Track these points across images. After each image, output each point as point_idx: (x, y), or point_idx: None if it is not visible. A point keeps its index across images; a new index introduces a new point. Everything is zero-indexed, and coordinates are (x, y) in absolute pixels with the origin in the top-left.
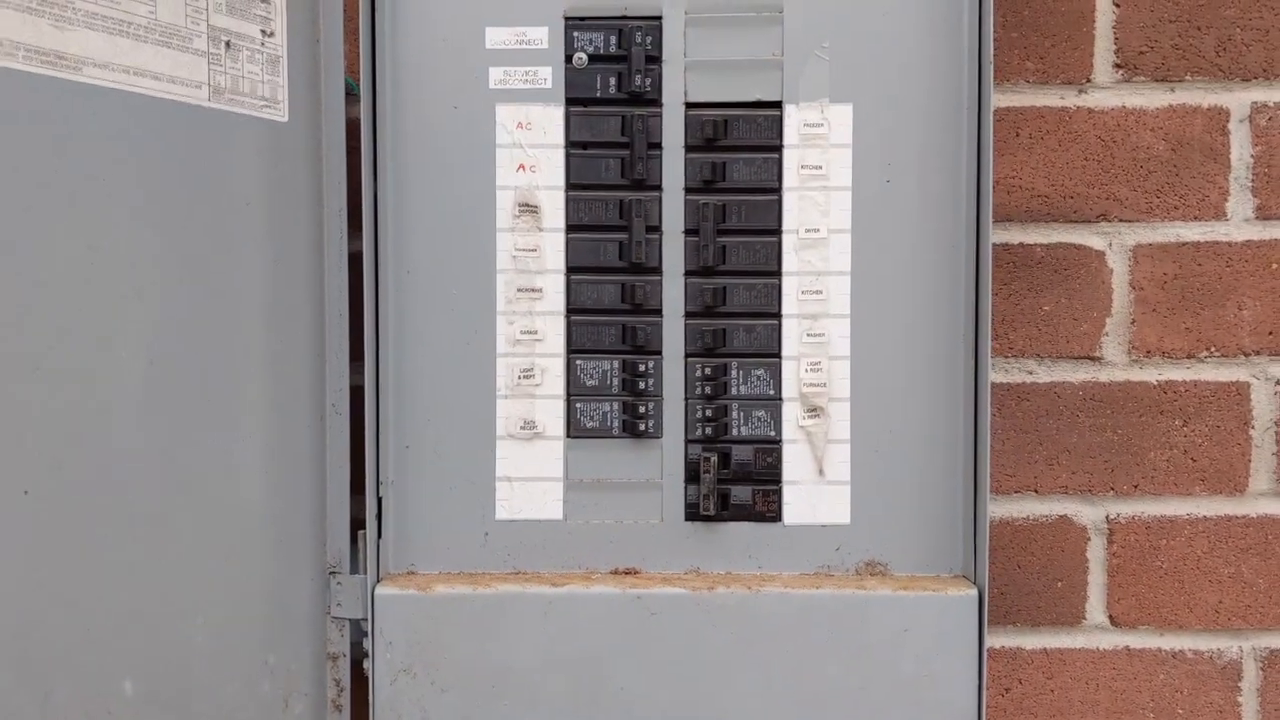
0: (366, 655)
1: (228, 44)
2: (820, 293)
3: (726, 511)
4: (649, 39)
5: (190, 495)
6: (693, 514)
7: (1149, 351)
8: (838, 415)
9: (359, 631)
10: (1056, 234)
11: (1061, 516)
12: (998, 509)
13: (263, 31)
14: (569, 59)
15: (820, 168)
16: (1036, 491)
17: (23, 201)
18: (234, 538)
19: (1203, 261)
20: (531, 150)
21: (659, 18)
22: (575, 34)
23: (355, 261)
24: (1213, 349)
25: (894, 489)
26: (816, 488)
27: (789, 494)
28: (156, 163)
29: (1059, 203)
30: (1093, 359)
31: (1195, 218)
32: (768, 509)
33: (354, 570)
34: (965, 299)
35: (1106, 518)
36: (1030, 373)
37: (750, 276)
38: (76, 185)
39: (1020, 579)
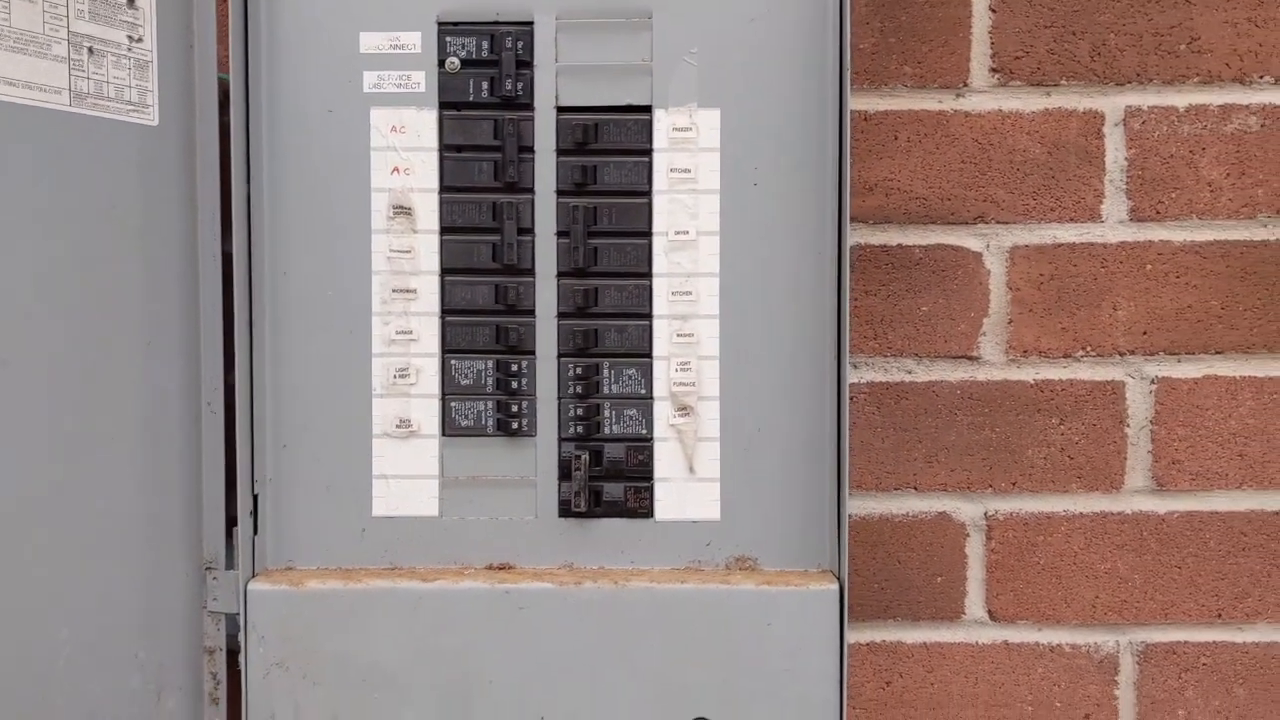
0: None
1: (90, 50)
2: (690, 294)
3: (599, 508)
4: (520, 44)
5: (60, 494)
6: (566, 510)
7: (1026, 351)
8: (707, 414)
9: (236, 626)
10: (934, 235)
11: (941, 513)
12: (877, 505)
13: (130, 37)
14: (442, 64)
15: (689, 171)
16: (916, 488)
17: None
18: (103, 534)
19: (1078, 262)
20: (406, 153)
21: (530, 23)
22: (448, 39)
23: (231, 264)
24: (1088, 348)
25: (763, 485)
26: (687, 484)
27: (660, 491)
28: (15, 169)
29: (937, 205)
30: (970, 358)
31: (1071, 219)
32: (639, 505)
33: (230, 566)
34: (830, 299)
35: (985, 514)
36: (909, 372)
37: (621, 278)
38: None
39: (901, 574)
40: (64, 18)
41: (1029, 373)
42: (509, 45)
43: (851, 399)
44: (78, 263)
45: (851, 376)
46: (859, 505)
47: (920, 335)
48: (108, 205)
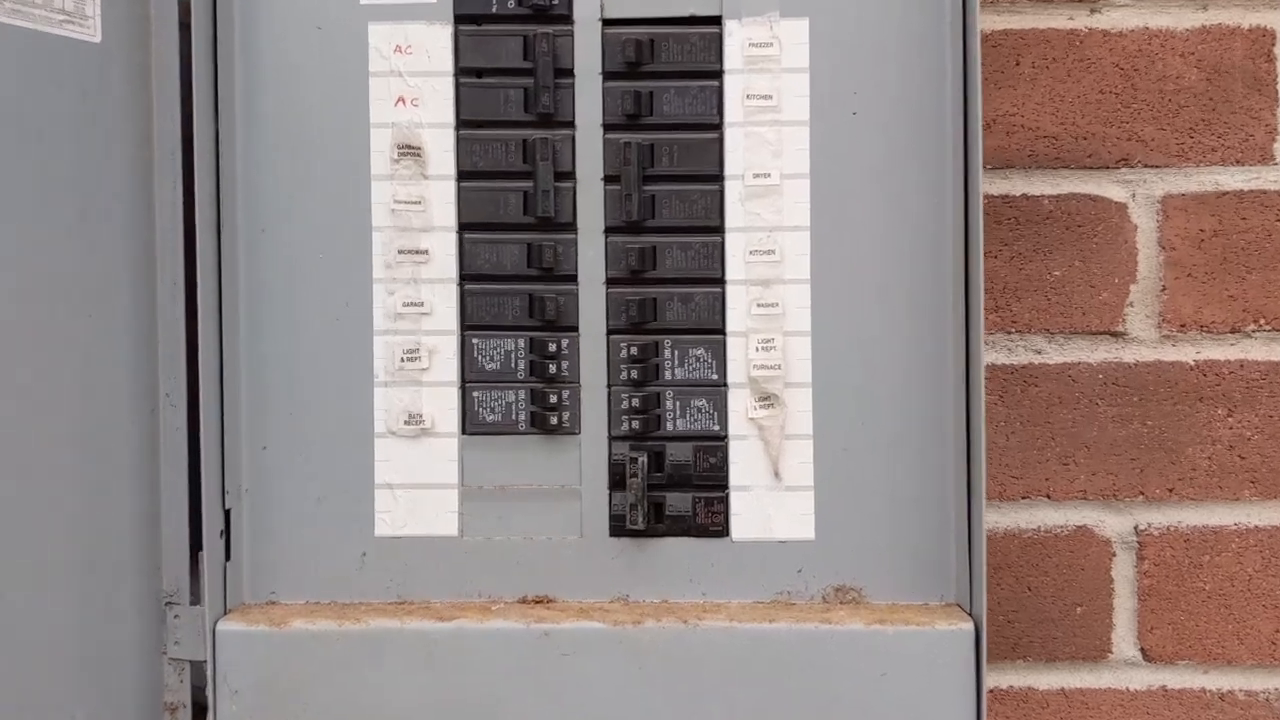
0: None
1: None
2: (773, 253)
3: (660, 524)
4: None
5: None
6: (619, 528)
7: (1184, 325)
8: (797, 404)
9: (204, 676)
10: (1068, 183)
11: (1080, 527)
12: (1002, 518)
13: None
14: None
15: (770, 97)
16: (1049, 497)
17: None
18: (29, 560)
19: (1248, 214)
20: (413, 80)
21: None
22: None
23: (195, 219)
24: (1262, 321)
25: (869, 496)
26: (772, 495)
27: (738, 502)
28: None
29: (1070, 145)
30: (1115, 335)
31: (1237, 161)
32: (711, 521)
33: (195, 601)
34: (954, 260)
35: (1135, 529)
36: (1038, 352)
37: (686, 234)
38: None
39: (1032, 604)
40: None
41: (1188, 352)
42: None
43: None
44: None
45: None
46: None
47: (1052, 307)
48: (34, 139)
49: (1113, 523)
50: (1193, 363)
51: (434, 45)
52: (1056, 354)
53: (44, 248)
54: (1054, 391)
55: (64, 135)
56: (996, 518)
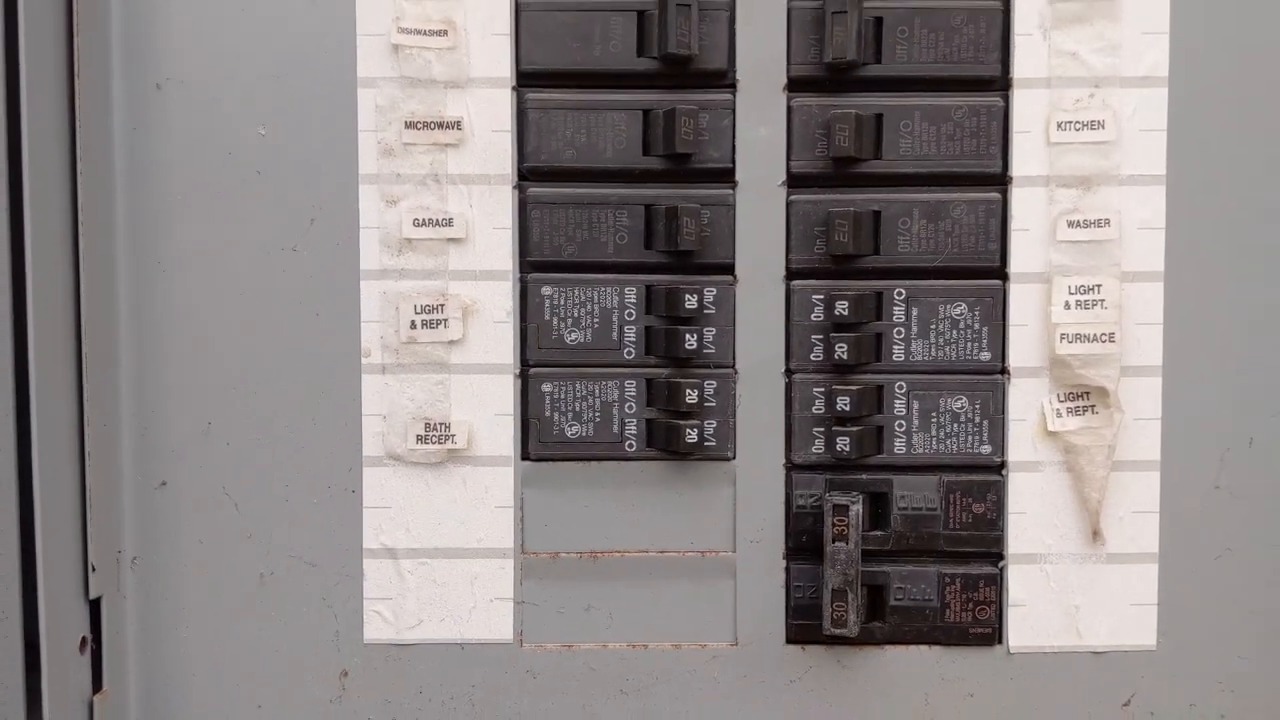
0: None
1: None
2: (1100, 126)
3: (881, 624)
4: None
5: None
6: (806, 630)
7: None
8: (1137, 408)
9: None
10: None
11: None
12: None
13: None
14: None
15: None
16: None
17: None
18: None
19: None
20: None
21: None
22: None
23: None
24: None
25: (1253, 568)
26: (1084, 570)
27: (1022, 584)
28: None
29: None
30: None
31: None
32: (975, 618)
33: None
34: None
35: None
36: None
37: (940, 91)
38: None
39: None
40: None
41: None
42: None
43: None
44: None
45: None
46: None
47: None
48: None
49: None
50: None
51: None
52: None
53: None
54: None
55: None
56: None
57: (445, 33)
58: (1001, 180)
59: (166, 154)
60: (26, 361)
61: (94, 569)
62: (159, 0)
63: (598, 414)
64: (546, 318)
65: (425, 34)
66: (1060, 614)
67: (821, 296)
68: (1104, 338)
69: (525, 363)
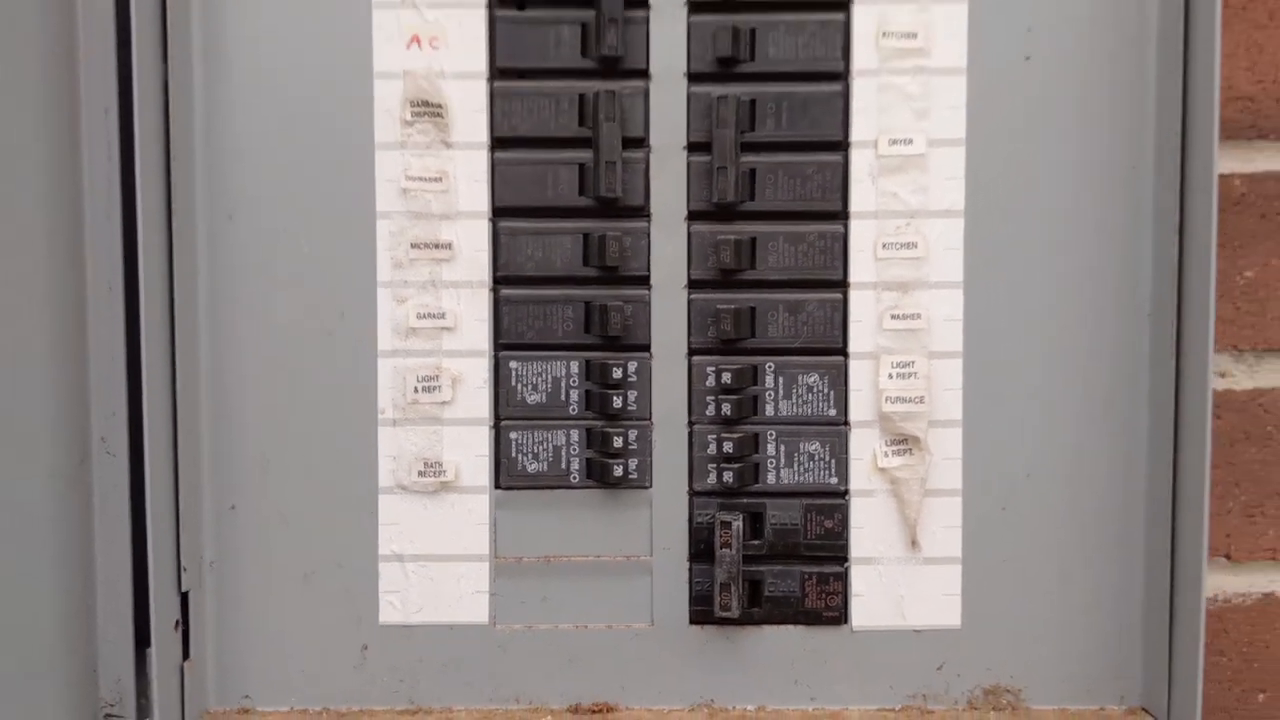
0: None
1: None
2: (914, 246)
3: (758, 609)
4: None
5: None
6: (703, 614)
7: None
8: (942, 450)
9: None
10: (1264, 158)
11: (1267, 595)
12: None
13: None
14: None
15: (914, 36)
16: (1228, 557)
17: None
18: None
19: None
20: (432, 12)
21: None
22: None
23: (136, 199)
24: None
25: (1033, 570)
26: (906, 570)
27: (861, 580)
28: None
29: (1271, 110)
30: None
31: None
32: (826, 605)
33: (145, 714)
34: (1155, 256)
35: None
36: (1223, 375)
37: (797, 220)
38: None
39: (1204, 689)
40: None
41: None
42: None
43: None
44: None
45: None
46: None
47: (1241, 318)
48: None
49: None
50: None
51: None
52: (1245, 378)
53: None
54: (1239, 425)
55: None
56: None
57: (440, 180)
58: (843, 285)
59: (239, 262)
60: (141, 427)
61: (185, 570)
62: (229, 148)
63: (550, 455)
64: (513, 384)
65: (426, 180)
66: (889, 602)
67: (713, 369)
68: (917, 400)
69: (498, 417)
